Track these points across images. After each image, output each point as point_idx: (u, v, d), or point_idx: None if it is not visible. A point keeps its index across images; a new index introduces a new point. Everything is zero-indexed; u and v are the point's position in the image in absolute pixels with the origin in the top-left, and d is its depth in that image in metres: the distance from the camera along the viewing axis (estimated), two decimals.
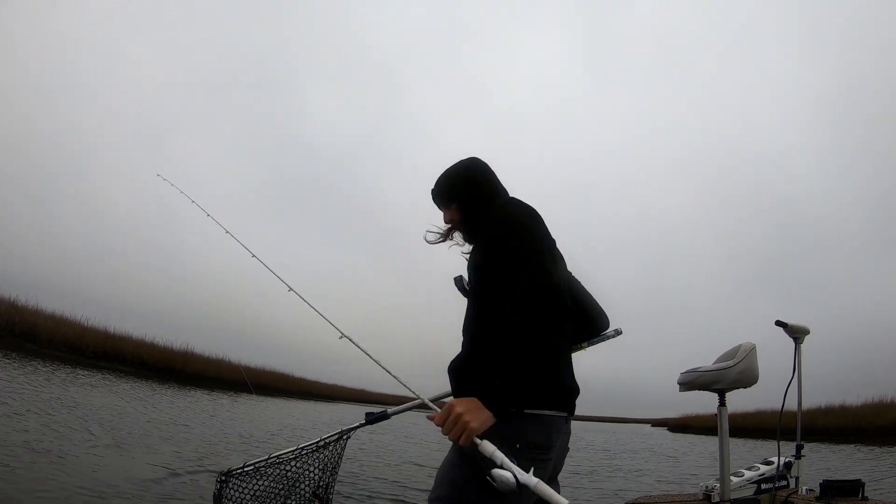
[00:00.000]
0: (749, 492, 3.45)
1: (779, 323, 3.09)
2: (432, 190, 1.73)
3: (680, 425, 35.19)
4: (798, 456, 3.44)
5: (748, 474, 3.48)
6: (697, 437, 26.10)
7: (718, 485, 3.33)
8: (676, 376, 3.20)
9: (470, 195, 1.64)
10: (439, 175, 1.72)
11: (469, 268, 1.46)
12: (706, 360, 3.16)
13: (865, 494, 3.26)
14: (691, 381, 3.00)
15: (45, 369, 13.24)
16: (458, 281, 1.56)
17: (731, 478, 3.34)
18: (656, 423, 56.39)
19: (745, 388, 2.83)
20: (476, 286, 1.38)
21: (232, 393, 22.57)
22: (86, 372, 16.11)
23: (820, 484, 3.32)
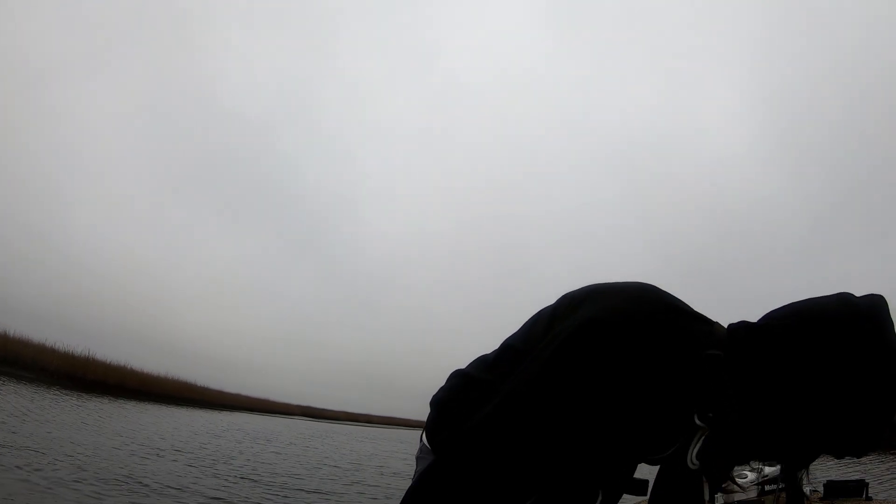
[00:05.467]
0: (752, 494, 3.44)
1: None
2: None
3: None
4: None
5: (751, 476, 3.47)
6: None
7: None
8: None
9: None
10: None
11: None
12: None
13: (869, 494, 3.25)
14: None
15: None
16: None
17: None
18: None
19: None
20: None
21: (134, 402, 21.61)
22: None
23: (824, 484, 3.31)
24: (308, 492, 7.12)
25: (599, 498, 0.88)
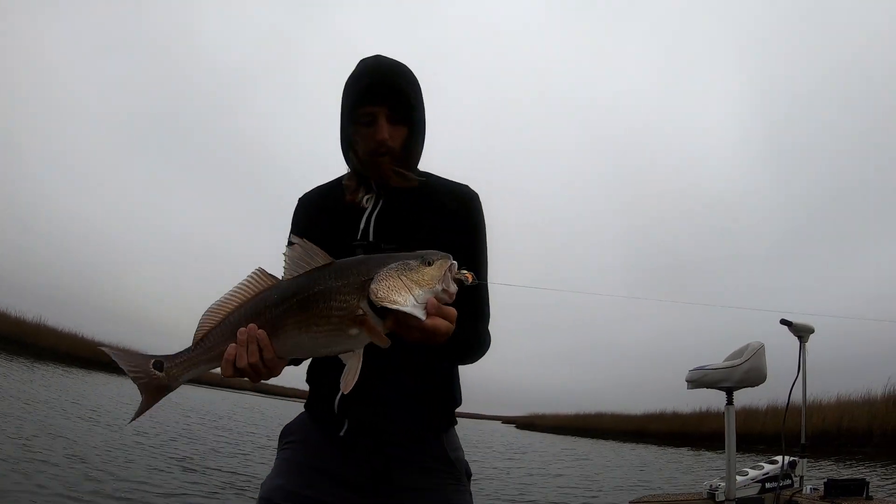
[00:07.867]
0: (753, 491, 3.44)
1: (784, 321, 3.08)
2: (390, 79, 1.09)
3: (527, 423, 38.76)
4: (803, 455, 3.43)
5: (752, 473, 3.47)
6: (543, 434, 29.33)
7: (723, 484, 3.32)
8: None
9: (424, 126, 1.15)
10: (386, 60, 1.12)
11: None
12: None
13: (870, 493, 3.25)
14: (699, 379, 2.98)
15: None
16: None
17: (736, 477, 3.33)
18: (506, 420, 61.37)
19: (752, 387, 2.82)
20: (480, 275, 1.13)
21: (84, 371, 21.05)
22: None
23: (824, 483, 3.31)
24: (233, 473, 6.27)
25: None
